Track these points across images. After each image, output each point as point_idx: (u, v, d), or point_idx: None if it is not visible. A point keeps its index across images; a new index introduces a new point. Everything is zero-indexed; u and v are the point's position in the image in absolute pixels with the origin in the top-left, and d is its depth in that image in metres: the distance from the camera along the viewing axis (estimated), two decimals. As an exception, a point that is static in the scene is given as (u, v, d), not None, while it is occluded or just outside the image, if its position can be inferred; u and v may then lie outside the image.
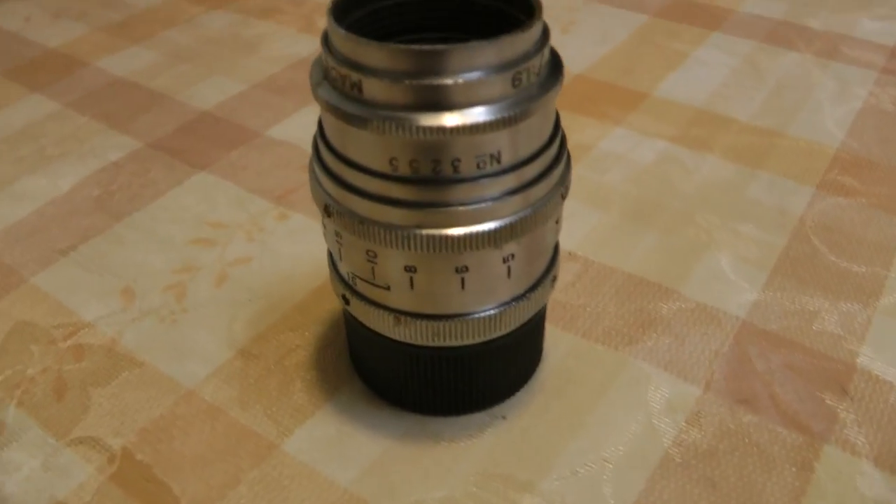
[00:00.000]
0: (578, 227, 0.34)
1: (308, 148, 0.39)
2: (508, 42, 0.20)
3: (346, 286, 0.25)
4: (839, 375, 0.28)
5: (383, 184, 0.22)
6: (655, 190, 0.36)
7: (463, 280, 0.23)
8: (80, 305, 0.32)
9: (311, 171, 0.24)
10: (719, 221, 0.34)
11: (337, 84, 0.21)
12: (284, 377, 0.28)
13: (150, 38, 0.49)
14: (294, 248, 0.34)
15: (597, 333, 0.30)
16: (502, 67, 0.20)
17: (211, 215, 0.36)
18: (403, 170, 0.21)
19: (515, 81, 0.21)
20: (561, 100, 0.40)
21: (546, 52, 0.22)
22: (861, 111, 0.41)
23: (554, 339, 0.30)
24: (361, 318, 0.25)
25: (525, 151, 0.22)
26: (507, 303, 0.24)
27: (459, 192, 0.21)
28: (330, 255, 0.26)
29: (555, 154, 0.23)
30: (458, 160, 0.21)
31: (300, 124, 0.41)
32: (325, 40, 0.22)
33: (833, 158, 0.38)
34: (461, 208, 0.22)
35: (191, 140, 0.40)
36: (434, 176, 0.21)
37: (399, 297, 0.24)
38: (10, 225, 0.35)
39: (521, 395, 0.28)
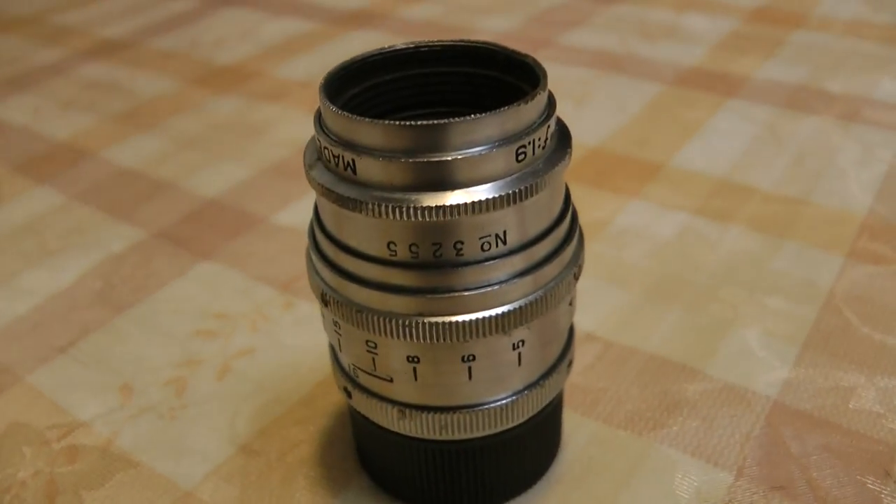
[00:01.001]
0: (597, 307, 0.32)
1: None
2: (511, 114, 0.19)
3: (347, 378, 0.24)
4: (881, 457, 0.26)
5: (381, 270, 0.20)
6: (677, 265, 0.35)
7: (470, 369, 0.22)
8: (77, 404, 0.30)
9: (308, 259, 0.23)
10: (745, 295, 0.33)
11: (331, 165, 0.20)
12: (287, 474, 0.27)
13: (157, 126, 0.49)
14: (300, 339, 0.32)
15: (619, 418, 0.28)
16: (505, 141, 0.19)
17: (214, 306, 0.34)
18: (402, 254, 0.20)
19: (520, 155, 0.20)
20: (575, 174, 0.39)
21: (552, 123, 0.20)
22: (887, 175, 0.39)
23: (573, 425, 0.28)
24: (365, 412, 0.24)
25: (533, 230, 0.21)
26: (519, 391, 0.23)
27: (463, 276, 0.20)
28: (331, 346, 0.25)
29: (566, 231, 0.22)
30: (461, 242, 0.20)
31: (306, 209, 0.40)
32: (318, 119, 0.21)
33: (861, 225, 0.36)
34: (466, 293, 0.20)
35: (195, 229, 0.39)
36: (435, 260, 0.20)
37: (403, 389, 0.22)
38: (9, 322, 0.34)
39: (538, 488, 0.26)
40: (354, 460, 0.27)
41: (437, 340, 0.21)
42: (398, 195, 0.19)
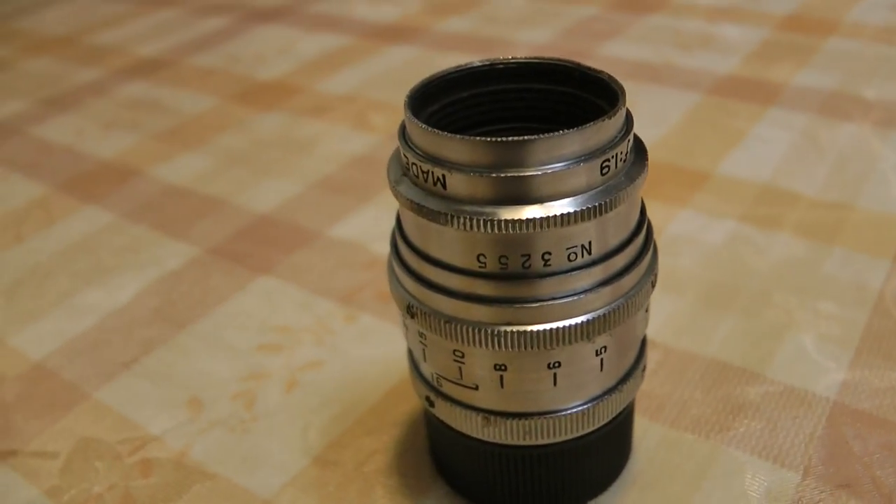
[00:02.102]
0: (655, 314, 0.33)
1: (371, 246, 0.39)
2: (595, 129, 0.20)
3: (430, 387, 0.24)
4: (943, 455, 0.27)
5: (470, 281, 0.21)
6: (729, 272, 0.35)
7: (555, 376, 0.22)
8: (146, 419, 0.31)
9: (391, 271, 0.24)
10: (797, 301, 0.33)
11: (419, 180, 0.21)
12: (365, 484, 0.27)
13: (203, 144, 0.50)
14: (364, 351, 0.33)
15: (685, 422, 0.29)
16: (590, 156, 0.20)
17: (276, 319, 0.35)
18: (492, 266, 0.21)
19: (604, 169, 0.20)
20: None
21: (631, 138, 0.21)
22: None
23: (642, 429, 0.28)
24: (447, 420, 0.24)
25: (614, 240, 0.21)
26: (598, 397, 0.23)
27: (551, 285, 0.21)
28: (411, 355, 0.25)
29: (643, 242, 0.22)
30: (549, 253, 0.21)
31: (361, 222, 0.41)
32: (403, 135, 0.22)
33: (910, 229, 0.37)
34: (553, 302, 0.21)
35: (250, 244, 0.40)
36: (524, 271, 0.21)
37: (488, 397, 0.23)
38: (71, 339, 0.35)
39: (613, 490, 0.26)
40: (430, 468, 0.28)
41: (525, 349, 0.21)
42: (489, 209, 0.20)
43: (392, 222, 0.39)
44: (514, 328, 0.21)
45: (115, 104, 0.57)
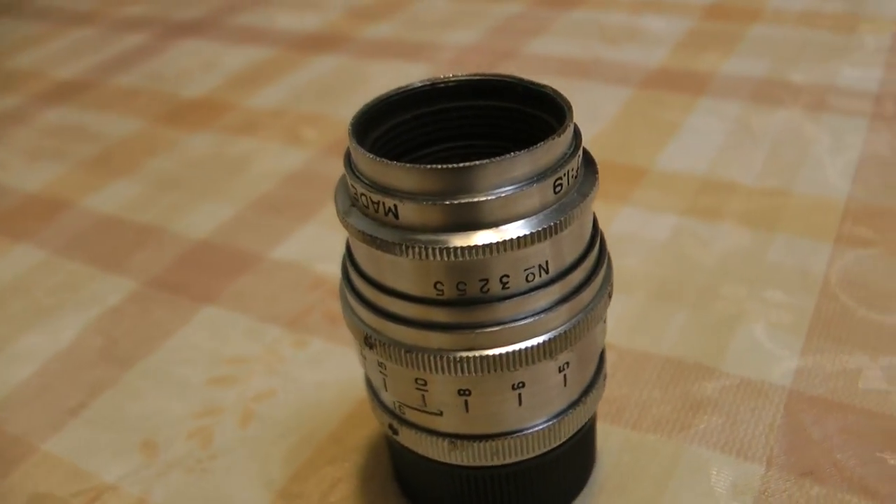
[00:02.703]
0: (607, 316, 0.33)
1: (315, 266, 0.38)
2: (546, 149, 0.20)
3: (392, 416, 0.24)
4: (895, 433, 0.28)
5: (429, 309, 0.21)
6: (675, 267, 0.35)
7: (520, 396, 0.22)
8: (99, 467, 0.30)
9: (344, 301, 0.23)
10: (745, 291, 0.34)
11: (369, 210, 0.20)
12: (331, 516, 0.27)
13: (132, 170, 0.48)
14: (317, 376, 0.32)
15: (646, 423, 0.29)
16: (542, 175, 0.20)
17: (225, 351, 0.34)
18: (450, 293, 0.20)
19: (556, 188, 0.20)
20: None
21: (580, 153, 0.21)
22: (861, 160, 0.41)
23: (604, 434, 0.28)
24: (412, 447, 0.24)
25: (571, 257, 0.21)
26: (563, 411, 0.23)
27: (511, 308, 0.21)
28: (369, 383, 0.25)
29: (597, 254, 0.22)
30: (507, 276, 0.20)
31: (302, 242, 0.40)
32: (349, 164, 0.21)
33: (844, 211, 0.37)
34: (514, 324, 0.21)
35: (191, 273, 0.39)
36: (483, 295, 0.20)
37: (454, 422, 0.23)
38: (13, 389, 0.34)
39: (581, 500, 0.26)
40: (396, 493, 0.27)
41: (488, 372, 0.21)
42: (443, 237, 0.20)
43: (334, 240, 0.39)
44: (477, 353, 0.21)
45: (36, 132, 0.55)
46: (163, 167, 0.48)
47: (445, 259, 0.20)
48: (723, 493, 0.26)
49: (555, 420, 0.23)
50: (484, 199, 0.19)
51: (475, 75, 0.23)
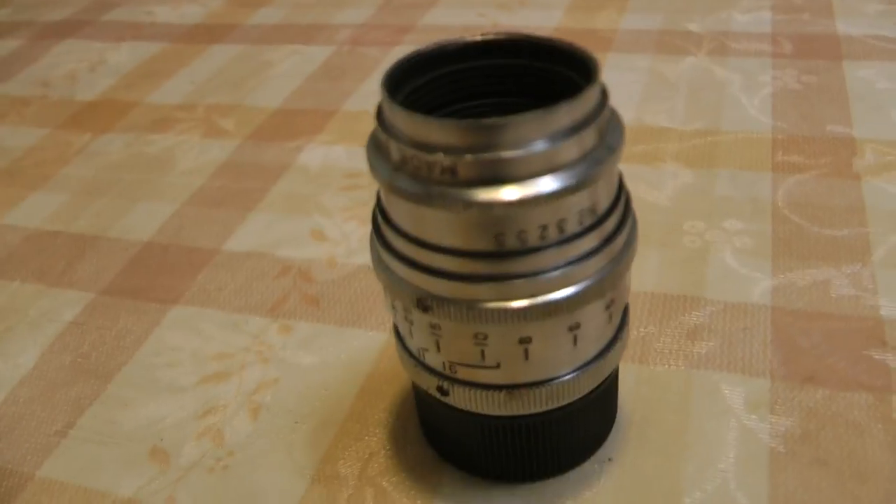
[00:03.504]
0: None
1: (276, 252, 0.37)
2: (585, 98, 0.20)
3: (442, 377, 0.24)
4: (873, 331, 0.30)
5: (491, 262, 0.21)
6: (637, 211, 0.37)
7: (575, 337, 0.23)
8: (110, 483, 0.28)
9: (384, 272, 0.23)
10: (705, 224, 0.36)
11: (421, 172, 0.20)
12: (376, 488, 0.27)
13: (48, 180, 0.45)
14: (315, 357, 0.32)
15: (652, 357, 0.30)
16: (583, 125, 0.20)
17: (209, 348, 0.33)
18: (512, 244, 0.21)
19: (597, 136, 0.21)
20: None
21: (609, 103, 0.22)
22: (774, 95, 0.44)
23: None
24: (464, 405, 0.24)
25: (608, 201, 0.22)
26: (608, 347, 0.24)
27: (569, 251, 0.21)
28: (407, 351, 0.25)
29: (625, 196, 0.23)
30: (564, 220, 0.21)
31: (253, 231, 0.39)
32: (389, 129, 0.21)
33: (772, 142, 0.40)
34: (571, 267, 0.21)
35: (146, 276, 0.37)
36: (543, 242, 0.21)
37: (511, 372, 0.23)
38: (-17, 420, 0.31)
39: (614, 434, 0.28)
40: (433, 456, 0.28)
41: (551, 317, 0.22)
42: (503, 189, 0.20)
43: (286, 226, 0.38)
44: (540, 299, 0.21)
45: (-80, 154, 0.50)
46: (80, 174, 0.46)
47: (508, 211, 0.20)
48: (740, 409, 0.28)
49: (601, 357, 0.24)
50: (542, 149, 0.20)
51: (502, 34, 0.24)
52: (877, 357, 0.29)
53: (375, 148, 0.22)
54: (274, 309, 0.34)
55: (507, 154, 0.20)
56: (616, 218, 0.23)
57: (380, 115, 0.22)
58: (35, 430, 0.31)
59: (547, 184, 0.20)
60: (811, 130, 0.41)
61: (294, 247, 0.38)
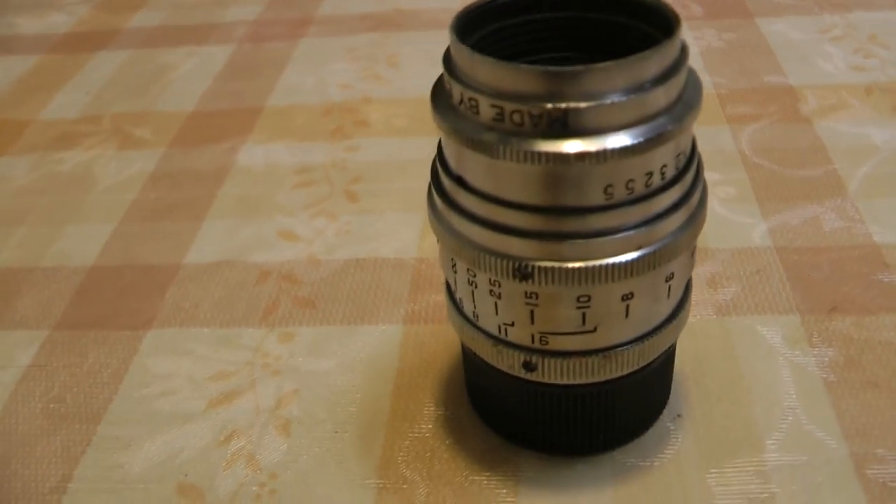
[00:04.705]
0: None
1: (247, 258, 0.34)
2: (668, 48, 0.19)
3: (531, 352, 0.23)
4: (872, 255, 0.32)
5: (600, 216, 0.20)
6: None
7: (669, 288, 0.22)
8: (139, 531, 0.25)
9: (466, 246, 0.21)
10: (684, 177, 0.36)
11: (524, 128, 0.19)
12: (452, 486, 0.25)
13: (-52, 216, 0.40)
14: (330, 361, 0.29)
15: (680, 310, 0.30)
16: (669, 74, 0.20)
17: (206, 370, 0.30)
18: (620, 194, 0.20)
19: (682, 89, 0.20)
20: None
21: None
22: (703, 54, 0.45)
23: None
24: (552, 378, 0.23)
25: (689, 149, 0.22)
26: (685, 295, 0.24)
27: (669, 197, 0.21)
28: (482, 331, 0.23)
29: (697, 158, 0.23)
30: (666, 166, 0.20)
31: (213, 240, 0.36)
32: (473, 85, 0.19)
33: (718, 97, 0.41)
34: (671, 216, 0.21)
35: (104, 303, 0.33)
36: (647, 190, 0.20)
37: (609, 333, 0.22)
38: (-47, 489, 0.27)
39: (675, 388, 0.27)
40: (500, 441, 0.26)
41: (654, 268, 0.21)
42: (618, 136, 0.19)
43: (249, 231, 0.35)
44: (644, 251, 0.21)
45: None
46: (-14, 203, 0.40)
47: (624, 158, 0.19)
48: (781, 346, 0.28)
49: (683, 307, 0.24)
50: (638, 97, 0.19)
51: None
52: (885, 280, 0.30)
53: (453, 119, 0.20)
54: (266, 317, 0.32)
55: (618, 99, 0.19)
56: (694, 165, 0.22)
57: (454, 73, 0.20)
58: (25, 492, 0.26)
59: (656, 127, 0.19)
60: (750, 82, 0.42)
61: (265, 250, 0.35)
